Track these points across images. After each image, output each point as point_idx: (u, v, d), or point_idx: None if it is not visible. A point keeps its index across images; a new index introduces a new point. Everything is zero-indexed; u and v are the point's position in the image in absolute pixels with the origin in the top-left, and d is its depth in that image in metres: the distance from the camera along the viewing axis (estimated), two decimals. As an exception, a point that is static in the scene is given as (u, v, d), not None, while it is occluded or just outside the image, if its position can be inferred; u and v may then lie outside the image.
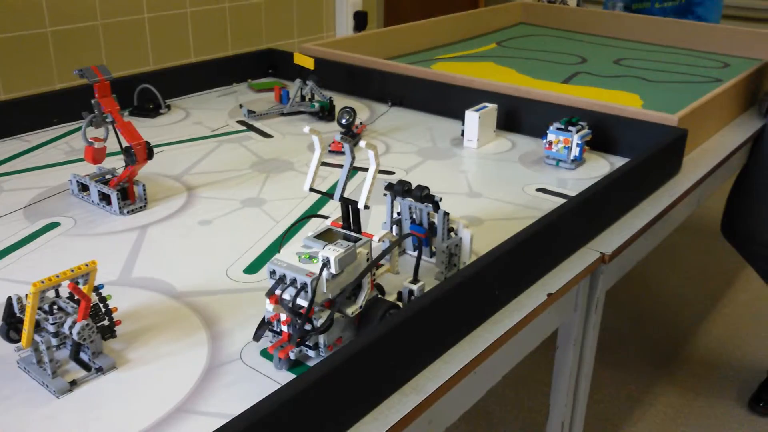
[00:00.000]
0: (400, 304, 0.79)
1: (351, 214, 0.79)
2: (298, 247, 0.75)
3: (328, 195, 0.81)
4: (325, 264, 0.71)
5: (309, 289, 0.70)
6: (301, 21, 2.54)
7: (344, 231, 0.79)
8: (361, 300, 0.75)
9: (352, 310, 0.74)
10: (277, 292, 0.72)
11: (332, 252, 0.71)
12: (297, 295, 0.70)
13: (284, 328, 0.73)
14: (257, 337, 0.76)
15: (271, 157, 1.31)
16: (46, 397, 0.69)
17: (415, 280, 0.82)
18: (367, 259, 0.76)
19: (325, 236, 0.78)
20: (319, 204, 1.13)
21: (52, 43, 1.87)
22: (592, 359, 1.17)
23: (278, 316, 0.74)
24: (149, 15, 2.07)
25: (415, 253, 0.97)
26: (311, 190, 0.81)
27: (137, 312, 0.82)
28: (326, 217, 0.84)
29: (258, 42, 2.40)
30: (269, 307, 0.73)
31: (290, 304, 0.71)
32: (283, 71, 1.81)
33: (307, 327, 0.72)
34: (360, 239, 0.76)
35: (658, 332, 2.22)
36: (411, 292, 0.81)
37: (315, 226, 0.94)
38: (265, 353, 0.76)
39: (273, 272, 0.72)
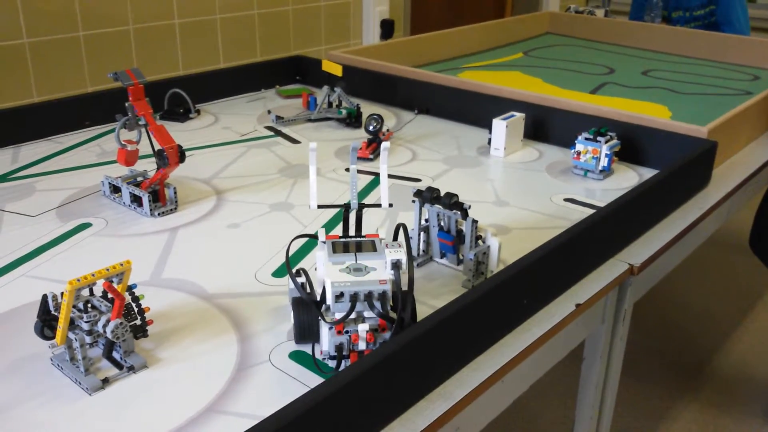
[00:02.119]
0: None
1: (355, 218, 0.78)
2: (330, 268, 0.73)
3: (337, 207, 0.80)
4: (396, 265, 0.72)
5: (388, 294, 0.71)
6: (328, 28, 2.56)
7: (348, 239, 0.77)
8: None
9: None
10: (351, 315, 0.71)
11: (399, 253, 0.72)
12: (385, 304, 0.71)
13: (363, 346, 0.72)
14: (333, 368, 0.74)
15: (299, 163, 1.32)
16: (79, 394, 0.70)
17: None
18: None
19: (344, 248, 0.76)
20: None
21: (85, 46, 1.90)
22: (619, 371, 1.16)
23: (356, 336, 0.72)
24: (180, 21, 2.10)
25: (443, 261, 0.97)
26: (319, 206, 0.79)
27: (168, 312, 0.83)
28: (313, 236, 0.80)
29: (286, 49, 2.42)
30: (338, 338, 0.71)
31: (379, 313, 0.70)
32: (311, 78, 1.83)
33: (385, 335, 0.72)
34: (366, 240, 0.77)
35: (683, 346, 2.19)
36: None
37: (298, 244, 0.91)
38: (293, 355, 0.76)
39: (341, 294, 0.70)
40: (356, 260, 0.74)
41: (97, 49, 1.93)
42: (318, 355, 0.76)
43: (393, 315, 0.72)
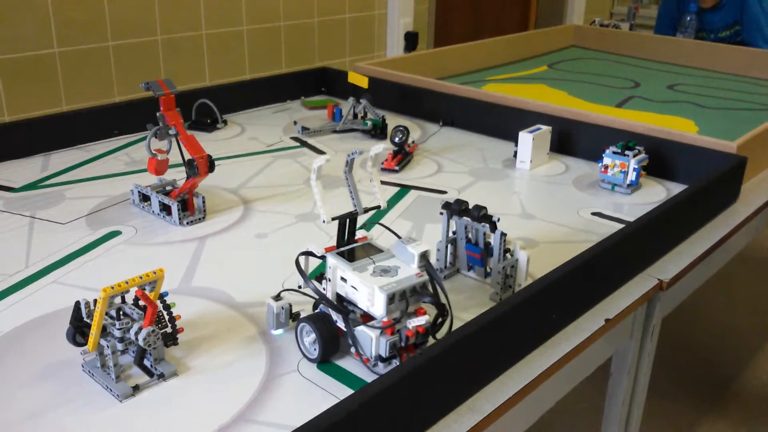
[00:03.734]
0: None
1: (348, 224, 0.80)
2: (362, 276, 0.73)
3: (350, 215, 0.80)
4: (424, 256, 0.74)
5: (428, 284, 0.74)
6: (353, 40, 2.58)
7: (351, 246, 0.79)
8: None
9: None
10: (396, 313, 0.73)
11: (422, 246, 0.75)
12: (427, 293, 0.74)
13: (411, 340, 0.73)
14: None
15: (324, 174, 1.32)
16: (110, 401, 0.71)
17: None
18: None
19: (356, 254, 0.77)
20: (381, 212, 1.13)
21: (114, 56, 1.93)
22: (646, 388, 1.15)
23: (412, 332, 0.73)
24: (207, 32, 2.12)
25: (470, 273, 0.97)
26: (334, 219, 0.78)
27: (197, 320, 0.84)
28: (312, 253, 0.80)
29: (311, 60, 2.44)
30: (391, 338, 0.72)
31: (432, 300, 0.74)
32: (335, 89, 1.84)
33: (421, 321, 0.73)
34: (371, 245, 0.80)
35: (710, 363, 2.16)
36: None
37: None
38: (322, 366, 0.76)
39: (393, 296, 0.71)
40: (374, 263, 0.75)
41: (126, 59, 1.96)
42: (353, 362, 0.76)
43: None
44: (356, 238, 0.81)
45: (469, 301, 0.90)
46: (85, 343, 0.73)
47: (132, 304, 0.75)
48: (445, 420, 0.71)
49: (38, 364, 0.76)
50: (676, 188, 1.29)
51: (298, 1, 2.35)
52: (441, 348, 0.69)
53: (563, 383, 0.90)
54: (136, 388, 0.72)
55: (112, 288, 0.68)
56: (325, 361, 0.77)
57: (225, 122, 1.59)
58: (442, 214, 0.95)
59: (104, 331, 0.72)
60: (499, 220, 0.89)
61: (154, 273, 0.71)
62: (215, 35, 2.15)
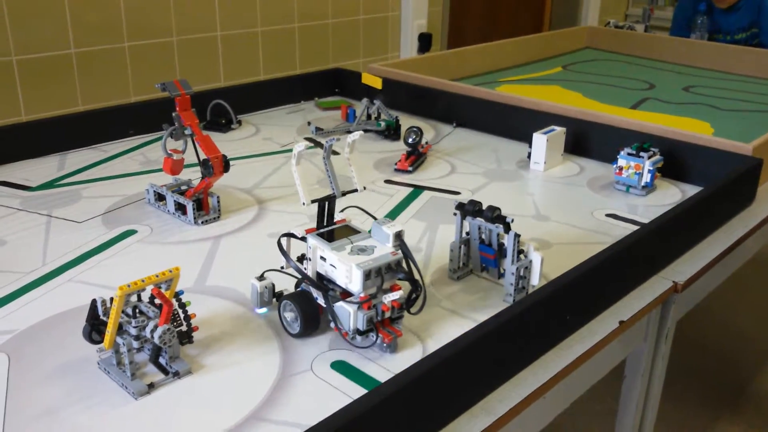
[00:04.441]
0: None
1: (327, 208, 0.83)
2: (340, 255, 0.77)
3: (328, 198, 0.84)
4: (398, 235, 0.79)
5: (402, 262, 0.78)
6: (366, 42, 2.58)
7: (330, 228, 0.83)
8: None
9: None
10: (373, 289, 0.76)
11: (396, 227, 0.79)
12: (402, 271, 0.78)
13: (387, 314, 0.77)
14: (369, 343, 0.78)
15: (338, 174, 1.33)
16: (125, 398, 0.71)
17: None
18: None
19: (335, 235, 0.81)
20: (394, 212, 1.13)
21: (129, 57, 1.94)
22: (660, 391, 1.14)
23: (387, 306, 0.77)
24: (222, 33, 2.14)
25: (483, 274, 0.96)
26: (313, 201, 0.83)
27: (212, 319, 0.84)
28: (293, 235, 0.84)
29: (324, 61, 2.45)
30: (369, 312, 0.76)
31: (406, 277, 0.78)
32: (349, 90, 1.84)
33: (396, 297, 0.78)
34: (349, 226, 0.84)
35: (723, 367, 2.15)
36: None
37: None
38: (335, 365, 0.77)
39: (369, 273, 0.75)
40: (352, 243, 0.79)
41: (141, 60, 1.97)
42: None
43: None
44: (335, 220, 0.85)
45: (482, 302, 0.90)
46: (101, 341, 0.74)
47: (148, 302, 0.76)
48: (458, 421, 0.71)
49: (54, 362, 0.77)
50: (691, 190, 1.28)
51: (313, 3, 2.36)
52: (455, 349, 0.69)
53: (577, 385, 0.90)
54: (151, 386, 0.72)
55: (129, 286, 0.68)
56: (306, 336, 0.80)
57: (239, 122, 1.60)
58: (455, 214, 0.95)
59: (120, 329, 0.73)
60: (513, 221, 0.89)
61: (170, 271, 0.71)
62: (230, 36, 2.16)
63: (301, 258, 0.83)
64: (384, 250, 0.78)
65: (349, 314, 0.76)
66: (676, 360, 2.12)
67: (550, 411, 0.85)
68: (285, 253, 0.81)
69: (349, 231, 0.82)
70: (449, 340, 0.71)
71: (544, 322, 0.81)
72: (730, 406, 1.97)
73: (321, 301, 0.80)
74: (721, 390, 2.04)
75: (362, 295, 0.76)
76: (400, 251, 0.79)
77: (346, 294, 0.78)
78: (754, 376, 2.11)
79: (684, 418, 1.91)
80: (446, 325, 0.85)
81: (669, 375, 1.16)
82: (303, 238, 0.82)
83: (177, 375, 0.74)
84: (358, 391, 0.72)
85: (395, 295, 0.77)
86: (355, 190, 0.87)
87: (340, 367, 0.77)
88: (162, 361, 0.75)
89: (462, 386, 0.72)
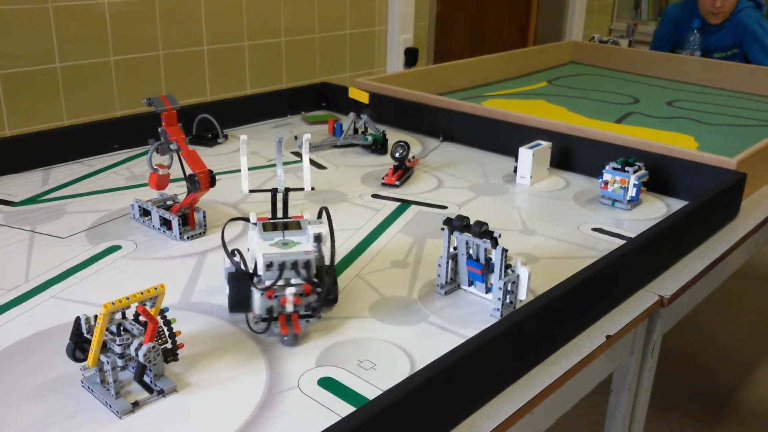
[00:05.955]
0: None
1: (282, 202, 0.89)
2: (261, 244, 0.81)
3: (267, 191, 0.90)
4: (318, 237, 0.82)
5: (312, 263, 0.81)
6: (353, 56, 2.59)
7: (277, 220, 0.87)
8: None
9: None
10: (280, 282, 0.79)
11: (321, 228, 0.83)
12: (309, 272, 0.80)
13: (291, 308, 0.81)
14: (262, 329, 0.82)
15: (325, 189, 1.33)
16: (109, 417, 0.70)
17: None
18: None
19: (277, 227, 0.85)
20: (381, 227, 1.13)
21: (115, 71, 1.94)
22: (647, 404, 1.15)
23: (285, 300, 0.80)
24: (208, 47, 2.13)
25: (471, 289, 0.96)
26: (251, 191, 0.93)
27: (197, 336, 0.84)
28: (246, 219, 0.88)
29: (311, 76, 2.45)
30: (269, 302, 0.80)
31: (305, 278, 0.80)
32: (336, 104, 1.84)
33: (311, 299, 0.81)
34: (292, 221, 0.87)
35: (709, 379, 2.16)
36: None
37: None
38: (322, 382, 0.76)
39: (270, 264, 0.79)
40: (284, 236, 0.83)
41: (127, 74, 1.96)
42: (251, 321, 0.84)
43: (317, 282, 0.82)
44: (292, 215, 0.90)
45: (470, 317, 0.90)
46: (85, 359, 0.73)
47: (132, 320, 0.75)
48: (447, 437, 0.71)
49: (37, 380, 0.75)
50: (677, 204, 1.29)
51: (299, 18, 2.37)
52: (442, 365, 0.69)
53: (564, 400, 0.90)
54: (136, 405, 0.71)
55: (113, 304, 0.68)
56: (236, 312, 0.84)
57: (226, 137, 1.60)
58: (443, 230, 0.95)
59: (104, 347, 0.72)
60: (500, 236, 0.89)
61: (155, 289, 0.71)
62: (216, 51, 2.16)
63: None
64: (303, 248, 0.81)
65: (255, 300, 0.80)
66: (662, 372, 2.13)
67: (537, 427, 0.85)
68: (223, 240, 0.86)
69: (294, 226, 0.86)
70: (437, 356, 0.71)
71: (531, 337, 0.81)
72: (715, 417, 1.98)
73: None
74: (706, 402, 2.04)
75: (267, 283, 0.79)
76: (317, 253, 0.81)
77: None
78: (740, 387, 2.12)
79: (670, 430, 1.91)
80: (434, 340, 0.84)
81: (655, 388, 1.16)
82: (247, 219, 0.87)
83: (162, 393, 0.73)
84: (345, 409, 0.72)
85: (293, 290, 0.80)
86: (302, 189, 0.93)
87: (328, 384, 0.76)
88: (147, 379, 0.74)
89: (450, 402, 0.72)
